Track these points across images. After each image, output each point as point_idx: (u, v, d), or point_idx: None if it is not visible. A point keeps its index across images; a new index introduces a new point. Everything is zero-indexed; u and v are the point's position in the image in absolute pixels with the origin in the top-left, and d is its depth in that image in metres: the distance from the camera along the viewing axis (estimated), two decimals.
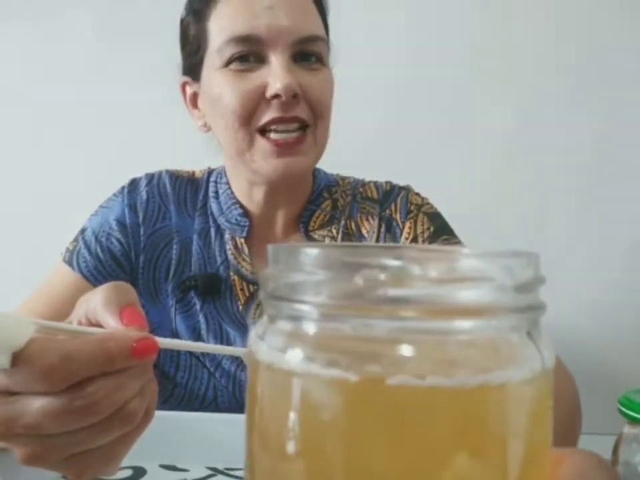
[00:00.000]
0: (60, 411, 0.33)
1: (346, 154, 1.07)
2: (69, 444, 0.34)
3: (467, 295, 0.22)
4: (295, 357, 0.22)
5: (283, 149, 0.73)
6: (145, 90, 1.41)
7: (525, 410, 0.22)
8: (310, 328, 0.23)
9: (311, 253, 0.23)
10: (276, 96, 0.71)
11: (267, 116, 0.73)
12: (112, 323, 0.37)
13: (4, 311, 0.33)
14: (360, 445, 0.21)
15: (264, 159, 0.74)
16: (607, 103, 1.41)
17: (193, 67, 0.79)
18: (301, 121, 0.74)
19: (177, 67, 0.83)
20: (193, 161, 0.88)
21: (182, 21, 0.82)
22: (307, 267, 0.23)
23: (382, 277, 0.22)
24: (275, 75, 0.71)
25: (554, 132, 1.42)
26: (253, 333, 0.25)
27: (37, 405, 0.33)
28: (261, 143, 0.74)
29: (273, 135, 0.73)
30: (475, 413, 0.21)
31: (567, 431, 0.59)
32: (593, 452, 0.34)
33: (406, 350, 0.21)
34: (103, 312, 0.37)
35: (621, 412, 0.42)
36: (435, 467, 0.21)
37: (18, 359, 0.33)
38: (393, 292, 0.21)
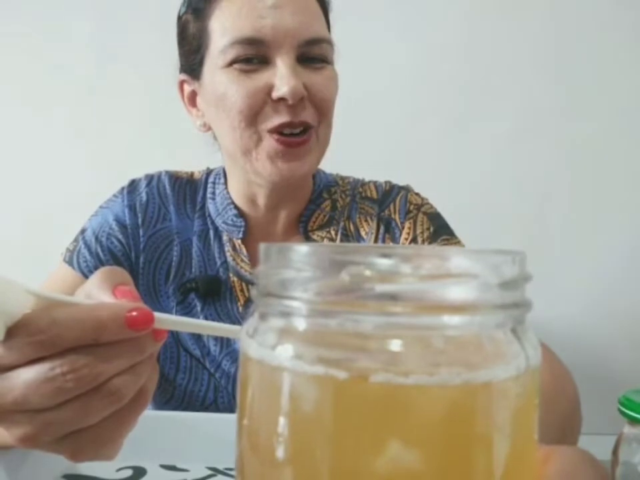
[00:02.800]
0: (40, 380, 0.32)
1: (346, 154, 1.07)
2: (58, 423, 0.34)
3: (452, 291, 0.22)
4: (284, 352, 0.23)
5: (288, 150, 0.73)
6: (145, 91, 1.41)
7: (509, 408, 0.22)
8: (299, 324, 0.23)
9: (301, 250, 0.23)
10: (282, 99, 0.71)
11: (276, 119, 0.72)
12: (105, 299, 0.36)
13: (6, 278, 0.32)
14: (346, 439, 0.21)
15: (269, 159, 0.74)
16: (607, 104, 1.41)
17: (192, 65, 0.78)
18: (307, 124, 0.74)
19: (174, 65, 0.82)
20: (193, 162, 0.88)
21: (180, 18, 0.81)
22: (296, 264, 0.23)
23: (368, 273, 0.22)
24: (281, 77, 0.70)
25: (554, 132, 1.42)
26: (244, 331, 0.26)
27: (22, 378, 0.33)
28: (269, 141, 0.73)
29: (279, 136, 0.73)
30: (458, 410, 0.21)
31: (566, 430, 0.59)
32: (582, 449, 0.34)
33: (391, 346, 0.21)
34: (97, 291, 0.36)
35: (621, 412, 0.42)
36: (419, 464, 0.21)
37: (10, 330, 0.32)
38: (379, 288, 0.22)
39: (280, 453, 0.23)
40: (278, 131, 0.73)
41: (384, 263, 0.22)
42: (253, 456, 0.24)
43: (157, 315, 0.35)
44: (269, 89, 0.71)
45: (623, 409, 0.42)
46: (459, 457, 0.21)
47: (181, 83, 0.82)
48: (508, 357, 0.23)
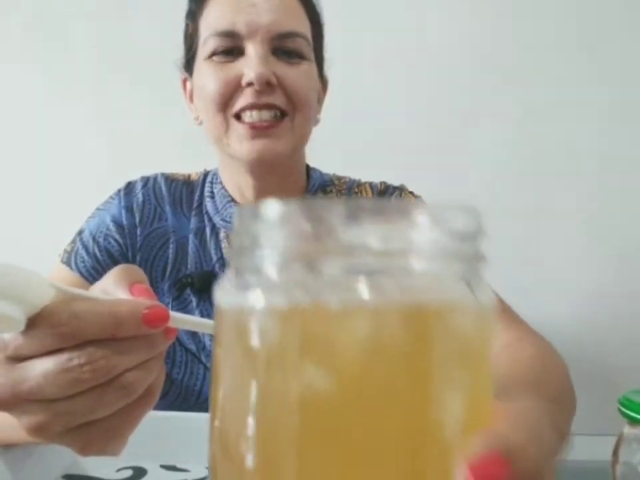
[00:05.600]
0: (58, 370, 0.33)
1: (345, 153, 1.07)
2: (71, 413, 0.35)
3: (411, 239, 0.24)
4: (255, 297, 0.24)
5: (256, 131, 0.76)
6: (144, 93, 1.41)
7: (456, 341, 0.24)
8: (270, 272, 0.24)
9: (271, 206, 0.25)
10: (250, 84, 0.75)
11: (242, 102, 0.76)
12: (122, 296, 0.37)
13: (30, 270, 0.33)
14: (315, 367, 0.23)
15: (239, 142, 0.77)
16: (609, 103, 1.41)
17: (188, 62, 0.84)
18: (277, 108, 0.76)
19: (178, 65, 0.86)
20: (191, 164, 0.88)
21: (186, 24, 0.86)
22: (267, 220, 0.25)
23: (333, 223, 0.24)
24: (250, 64, 0.75)
25: (555, 132, 1.42)
26: (219, 287, 0.27)
27: (39, 368, 0.34)
28: (235, 126, 0.77)
29: (247, 119, 0.76)
30: (403, 334, 0.23)
31: (557, 406, 0.59)
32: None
33: (354, 282, 0.23)
34: (113, 289, 0.37)
35: (621, 412, 0.42)
36: (378, 390, 0.23)
37: (31, 321, 0.33)
38: (343, 235, 0.23)
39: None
40: (243, 112, 0.76)
41: (348, 214, 0.24)
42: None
43: (172, 313, 0.37)
44: (240, 77, 0.76)
45: (623, 409, 0.43)
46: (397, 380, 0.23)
47: (184, 81, 0.87)
48: (459, 297, 0.24)
